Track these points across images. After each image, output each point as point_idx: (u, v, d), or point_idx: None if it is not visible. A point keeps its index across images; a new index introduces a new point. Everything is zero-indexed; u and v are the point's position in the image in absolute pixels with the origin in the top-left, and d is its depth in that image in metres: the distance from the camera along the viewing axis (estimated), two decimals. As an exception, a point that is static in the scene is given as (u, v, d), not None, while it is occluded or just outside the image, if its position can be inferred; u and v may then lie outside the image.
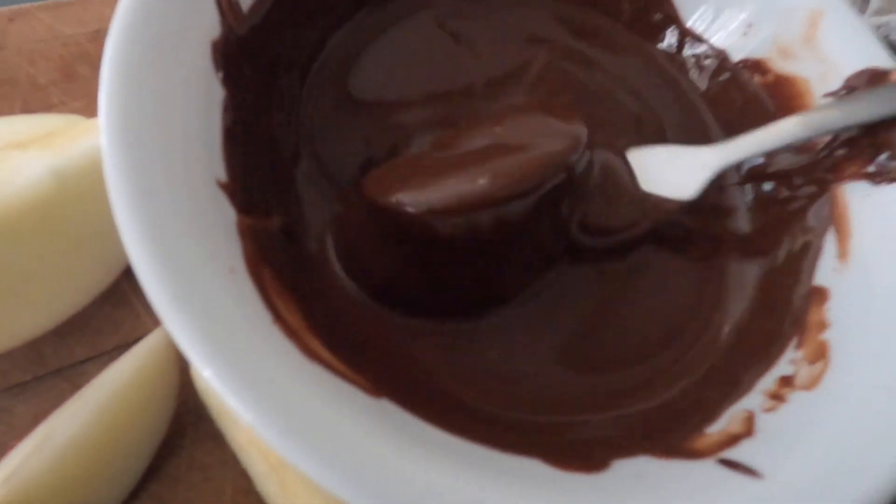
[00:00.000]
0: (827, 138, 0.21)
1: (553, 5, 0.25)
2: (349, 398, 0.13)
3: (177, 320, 0.11)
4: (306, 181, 0.19)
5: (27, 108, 0.22)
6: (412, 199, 0.16)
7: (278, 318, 0.13)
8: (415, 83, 0.22)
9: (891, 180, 0.19)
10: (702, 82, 0.25)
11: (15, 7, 0.23)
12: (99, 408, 0.15)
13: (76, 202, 0.16)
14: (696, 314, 0.21)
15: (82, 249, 0.17)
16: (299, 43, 0.20)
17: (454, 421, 0.14)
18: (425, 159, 0.19)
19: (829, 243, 0.20)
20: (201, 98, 0.15)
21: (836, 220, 0.20)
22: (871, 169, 0.20)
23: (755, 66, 0.23)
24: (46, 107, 0.22)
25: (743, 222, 0.23)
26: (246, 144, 0.17)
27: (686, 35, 0.25)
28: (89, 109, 0.23)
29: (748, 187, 0.23)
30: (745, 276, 0.21)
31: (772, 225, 0.22)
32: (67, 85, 0.23)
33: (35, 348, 0.18)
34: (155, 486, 0.17)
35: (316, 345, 0.14)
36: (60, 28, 0.24)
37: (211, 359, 0.11)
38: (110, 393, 0.15)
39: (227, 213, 0.15)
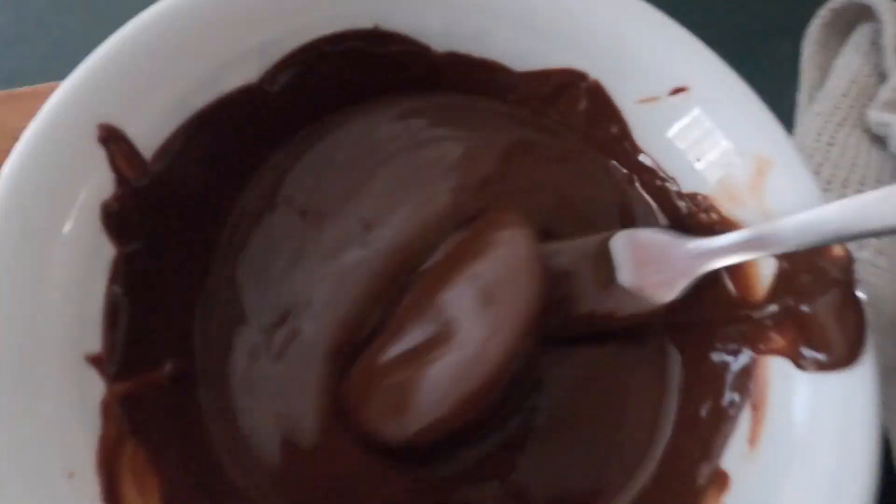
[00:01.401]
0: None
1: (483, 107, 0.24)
2: None
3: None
4: (217, 323, 0.19)
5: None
6: (389, 431, 0.17)
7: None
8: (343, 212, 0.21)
9: (816, 368, 0.18)
10: (649, 196, 0.24)
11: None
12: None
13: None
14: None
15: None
16: (215, 173, 0.20)
17: None
18: (391, 369, 0.18)
19: (744, 421, 0.19)
20: (82, 263, 0.16)
21: (754, 396, 0.19)
22: (802, 349, 0.19)
23: (702, 200, 0.22)
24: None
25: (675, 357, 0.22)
26: (138, 298, 0.17)
27: (638, 153, 0.24)
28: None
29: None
30: (662, 429, 0.21)
31: (700, 371, 0.21)
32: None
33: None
34: None
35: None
36: (11, 120, 0.24)
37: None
38: None
39: (91, 392, 0.15)
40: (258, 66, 0.20)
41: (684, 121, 0.22)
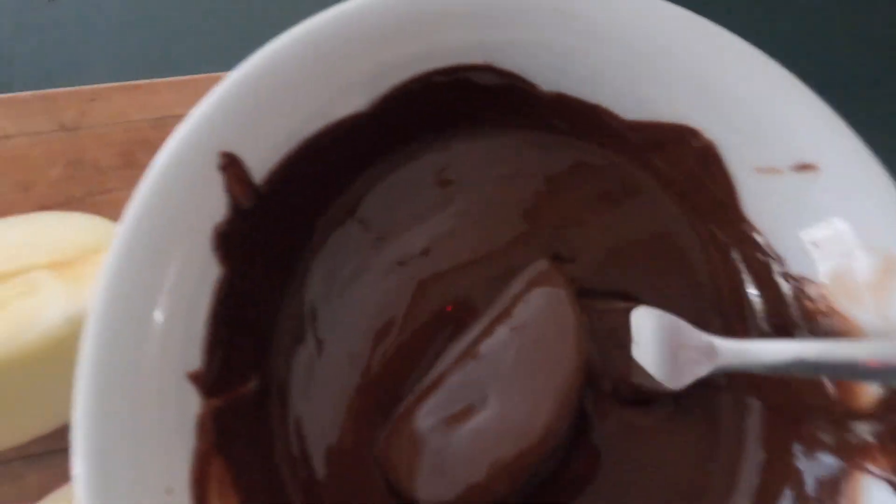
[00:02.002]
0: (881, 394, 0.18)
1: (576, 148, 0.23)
2: None
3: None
4: (287, 338, 0.20)
5: (88, 192, 0.25)
6: (425, 493, 0.17)
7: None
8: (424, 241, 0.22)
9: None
10: (747, 270, 0.22)
11: (97, 87, 0.26)
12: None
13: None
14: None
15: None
16: (312, 195, 0.20)
17: None
18: (429, 428, 0.18)
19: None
20: (193, 285, 0.17)
21: (841, 511, 0.18)
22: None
23: (812, 287, 0.20)
24: (104, 190, 0.25)
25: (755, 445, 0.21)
26: (234, 317, 0.18)
27: (742, 222, 0.22)
28: (138, 198, 0.25)
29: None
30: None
31: (777, 464, 0.20)
32: (125, 171, 0.25)
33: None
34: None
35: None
36: (128, 112, 0.26)
37: None
38: None
39: (188, 407, 0.16)
40: (369, 96, 0.20)
41: (805, 200, 0.20)
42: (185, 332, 0.16)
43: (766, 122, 0.20)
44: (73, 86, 0.26)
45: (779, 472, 0.20)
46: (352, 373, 0.19)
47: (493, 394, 0.18)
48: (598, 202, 0.23)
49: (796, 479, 0.19)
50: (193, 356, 0.16)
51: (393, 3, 0.19)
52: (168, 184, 0.16)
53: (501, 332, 0.19)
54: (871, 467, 0.17)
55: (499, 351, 0.18)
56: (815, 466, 0.19)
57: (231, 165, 0.17)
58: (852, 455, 0.18)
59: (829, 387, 0.19)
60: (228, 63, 0.29)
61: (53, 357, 0.18)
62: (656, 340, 0.19)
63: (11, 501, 0.21)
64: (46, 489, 0.21)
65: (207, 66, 0.28)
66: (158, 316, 0.16)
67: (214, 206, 0.17)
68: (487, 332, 0.19)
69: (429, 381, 0.19)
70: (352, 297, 0.20)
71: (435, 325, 0.20)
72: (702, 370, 0.19)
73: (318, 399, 0.19)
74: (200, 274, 0.17)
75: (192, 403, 0.16)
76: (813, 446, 0.19)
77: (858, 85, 0.28)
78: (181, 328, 0.16)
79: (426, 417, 0.18)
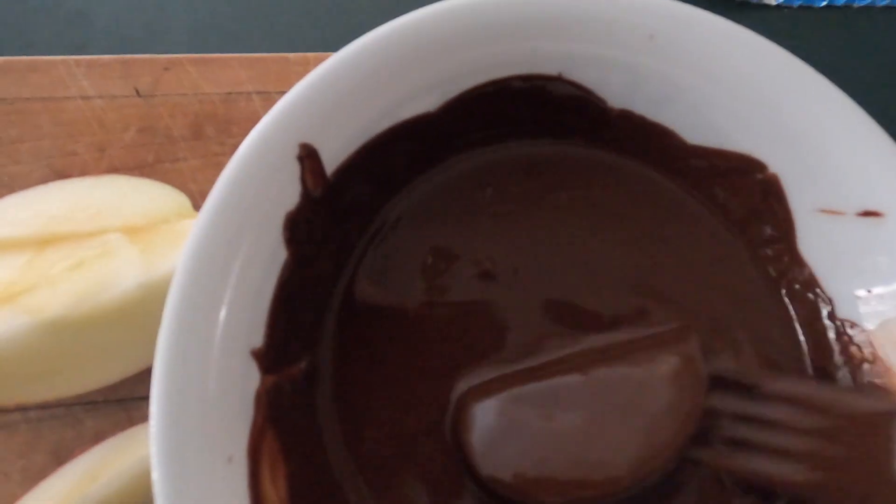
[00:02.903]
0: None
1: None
2: None
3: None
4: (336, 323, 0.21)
5: (158, 159, 0.25)
6: (491, 466, 0.17)
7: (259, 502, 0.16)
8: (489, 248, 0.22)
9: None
10: (793, 307, 0.22)
11: (172, 56, 0.27)
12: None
13: (154, 307, 0.19)
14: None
15: (154, 333, 0.20)
16: (366, 199, 0.21)
17: None
18: (525, 411, 0.18)
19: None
20: (263, 265, 0.17)
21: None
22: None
23: (857, 332, 0.20)
24: (173, 159, 0.26)
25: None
26: (294, 300, 0.19)
27: (796, 261, 0.22)
28: (203, 169, 0.26)
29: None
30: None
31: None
32: (193, 142, 0.26)
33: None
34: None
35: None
36: (201, 84, 0.27)
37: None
38: (138, 472, 0.19)
39: (251, 382, 0.17)
40: (439, 98, 0.20)
41: (865, 248, 0.20)
42: (253, 310, 0.17)
43: (836, 162, 0.20)
44: (147, 53, 0.27)
45: None
46: (396, 353, 0.20)
47: (599, 413, 0.18)
48: (664, 243, 0.22)
49: None
50: (257, 334, 0.17)
51: (482, 7, 0.19)
52: (251, 168, 0.17)
53: (623, 366, 0.19)
54: None
55: (611, 382, 0.18)
56: None
57: (308, 156, 0.18)
58: None
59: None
60: (299, 45, 0.29)
61: (123, 318, 0.19)
62: None
63: (69, 443, 0.22)
64: (102, 436, 0.22)
65: (279, 46, 0.29)
66: (231, 294, 0.17)
67: (289, 193, 0.18)
68: (607, 357, 0.19)
69: (518, 368, 0.19)
70: (401, 282, 0.21)
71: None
72: None
73: (363, 379, 0.20)
74: (270, 257, 0.18)
75: (252, 378, 0.17)
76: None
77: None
78: (249, 307, 0.17)
79: (520, 400, 0.18)
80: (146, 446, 0.20)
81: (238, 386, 0.17)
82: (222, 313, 0.16)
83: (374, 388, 0.20)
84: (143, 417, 0.23)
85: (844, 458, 0.17)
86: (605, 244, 0.22)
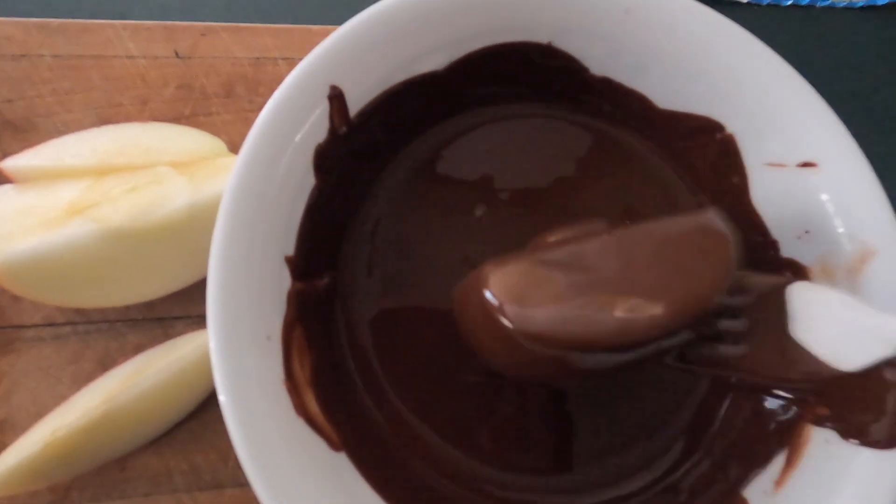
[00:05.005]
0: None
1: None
2: (315, 451, 0.18)
3: (218, 365, 0.17)
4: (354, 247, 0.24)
5: (194, 112, 0.29)
6: (513, 314, 0.16)
7: (289, 376, 0.19)
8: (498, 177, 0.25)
9: (858, 442, 0.20)
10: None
11: (208, 24, 0.30)
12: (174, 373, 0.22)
13: (198, 225, 0.23)
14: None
15: (194, 252, 0.23)
16: (387, 139, 0.24)
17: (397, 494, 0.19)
18: (550, 266, 0.17)
19: (775, 464, 0.21)
20: (296, 187, 0.21)
21: (792, 446, 0.21)
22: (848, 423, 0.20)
23: (797, 270, 0.24)
24: (206, 113, 0.29)
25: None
26: (319, 221, 0.22)
27: (749, 210, 0.25)
28: (234, 123, 0.29)
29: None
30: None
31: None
32: (225, 99, 0.29)
33: (150, 301, 0.25)
34: (191, 423, 0.25)
35: (309, 398, 0.19)
36: (233, 49, 0.30)
37: (229, 399, 0.17)
38: (177, 369, 0.22)
39: (284, 283, 0.20)
40: (447, 58, 0.24)
41: (802, 194, 0.23)
42: (286, 224, 0.21)
43: (780, 122, 0.24)
44: (184, 20, 0.30)
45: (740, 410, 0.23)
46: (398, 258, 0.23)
47: (628, 269, 0.17)
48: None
49: (758, 422, 0.23)
50: (290, 243, 0.21)
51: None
52: (289, 102, 0.20)
53: (647, 224, 0.18)
54: (818, 414, 0.21)
55: (637, 237, 0.18)
56: (777, 414, 0.23)
57: (337, 97, 0.21)
58: (804, 405, 0.21)
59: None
60: (321, 19, 0.33)
61: (173, 234, 0.22)
62: (825, 318, 0.18)
63: (114, 354, 0.25)
64: (142, 348, 0.25)
65: (303, 20, 0.32)
66: (270, 208, 0.20)
67: (318, 128, 0.21)
68: (633, 225, 0.18)
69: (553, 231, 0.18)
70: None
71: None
72: (878, 352, 0.17)
73: (368, 285, 0.23)
74: (301, 180, 0.21)
75: (285, 280, 0.20)
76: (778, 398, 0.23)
77: (863, 93, 0.33)
78: (284, 221, 0.20)
79: (546, 262, 0.17)
80: (184, 350, 0.23)
81: (275, 284, 0.20)
82: (263, 223, 0.20)
83: (392, 308, 0.23)
84: (178, 333, 0.26)
85: (758, 327, 0.18)
86: (588, 190, 0.26)
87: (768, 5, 0.39)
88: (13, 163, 0.23)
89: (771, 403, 0.23)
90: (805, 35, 0.39)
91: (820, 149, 0.23)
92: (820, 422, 0.21)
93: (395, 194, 0.25)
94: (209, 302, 0.18)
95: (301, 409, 0.18)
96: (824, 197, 0.23)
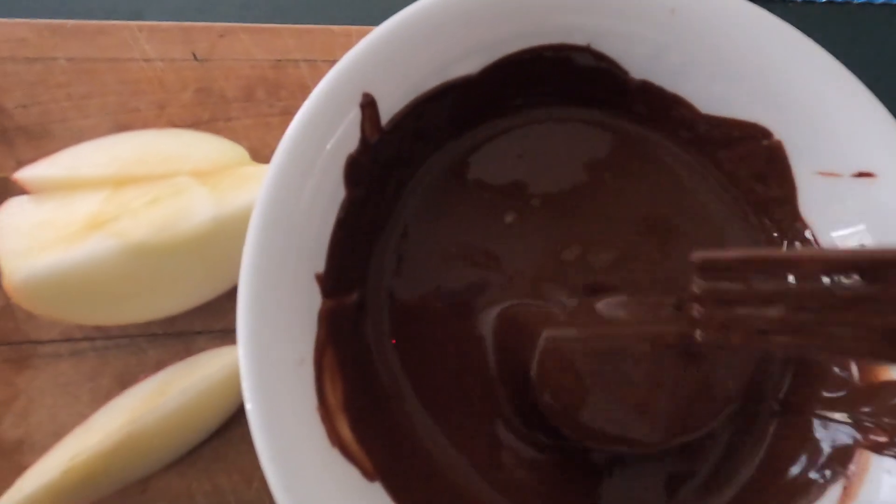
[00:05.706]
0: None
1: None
2: (349, 481, 0.17)
3: (249, 390, 0.16)
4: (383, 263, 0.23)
5: (213, 117, 0.28)
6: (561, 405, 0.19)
7: (322, 403, 0.18)
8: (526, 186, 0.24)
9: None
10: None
11: (227, 24, 0.29)
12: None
13: (222, 238, 0.21)
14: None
15: (218, 266, 0.22)
16: (417, 147, 0.23)
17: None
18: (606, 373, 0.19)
19: (834, 493, 0.20)
20: (327, 200, 0.20)
21: (850, 475, 0.20)
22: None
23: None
24: (226, 118, 0.28)
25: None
26: (348, 235, 0.21)
27: (797, 220, 0.24)
28: (254, 128, 0.28)
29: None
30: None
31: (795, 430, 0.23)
32: (245, 103, 0.28)
33: (171, 316, 0.24)
34: (214, 441, 0.24)
35: (342, 424, 0.18)
36: (253, 51, 0.29)
37: (262, 433, 0.16)
38: (201, 389, 0.21)
39: (314, 302, 0.19)
40: (481, 62, 0.23)
41: (858, 206, 0.22)
42: (317, 239, 0.19)
43: (834, 128, 0.22)
44: (200, 20, 0.29)
45: (796, 435, 0.22)
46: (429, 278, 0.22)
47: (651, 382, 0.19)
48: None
49: (812, 446, 0.22)
50: (321, 260, 0.20)
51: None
52: (321, 110, 0.19)
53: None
54: (879, 443, 0.20)
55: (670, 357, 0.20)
56: (833, 436, 0.21)
57: (369, 105, 0.20)
58: (865, 431, 0.20)
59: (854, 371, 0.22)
60: (341, 17, 0.32)
61: (197, 248, 0.22)
62: None
63: (133, 370, 0.24)
64: (162, 364, 0.24)
65: (325, 19, 0.31)
66: (301, 221, 0.19)
67: (349, 137, 0.20)
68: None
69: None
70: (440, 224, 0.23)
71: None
72: None
73: (396, 300, 0.22)
74: (332, 193, 0.20)
75: (316, 299, 0.19)
76: (830, 417, 0.22)
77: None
78: (315, 236, 0.19)
79: (597, 356, 0.19)
80: (208, 368, 0.22)
81: (305, 304, 0.19)
82: (295, 241, 0.19)
83: (421, 323, 0.22)
84: (200, 348, 0.25)
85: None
86: (620, 198, 0.24)
87: (803, 2, 0.38)
88: (29, 173, 0.22)
89: (819, 432, 0.22)
90: (841, 32, 0.37)
91: (879, 157, 0.22)
92: (878, 449, 0.20)
93: (423, 203, 0.24)
94: (239, 328, 0.17)
95: (335, 437, 0.17)
96: (883, 210, 0.22)
